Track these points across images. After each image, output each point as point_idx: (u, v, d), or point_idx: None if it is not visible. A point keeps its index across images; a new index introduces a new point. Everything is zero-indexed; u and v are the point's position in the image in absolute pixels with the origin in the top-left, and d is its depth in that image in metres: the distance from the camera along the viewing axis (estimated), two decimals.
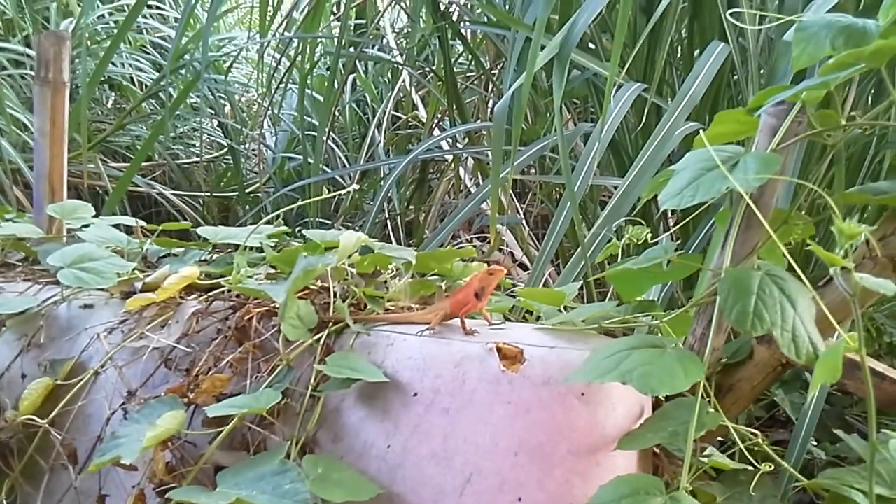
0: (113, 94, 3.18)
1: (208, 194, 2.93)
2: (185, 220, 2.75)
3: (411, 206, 2.68)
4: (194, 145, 3.15)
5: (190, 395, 0.91)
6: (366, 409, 0.88)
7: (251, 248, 1.14)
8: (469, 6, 2.18)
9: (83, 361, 1.01)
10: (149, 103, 2.98)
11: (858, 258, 0.83)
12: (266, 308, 0.98)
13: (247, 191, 2.89)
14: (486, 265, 1.01)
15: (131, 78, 3.07)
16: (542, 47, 1.29)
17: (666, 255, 0.86)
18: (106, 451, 0.83)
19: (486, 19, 2.17)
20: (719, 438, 1.07)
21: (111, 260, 1.04)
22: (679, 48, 1.87)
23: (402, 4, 2.69)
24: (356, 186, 1.44)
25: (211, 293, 1.03)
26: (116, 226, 1.21)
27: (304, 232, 1.17)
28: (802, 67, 0.79)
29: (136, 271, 1.08)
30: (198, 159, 3.06)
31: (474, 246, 2.51)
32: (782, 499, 1.23)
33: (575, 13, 1.36)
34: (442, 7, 2.16)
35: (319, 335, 0.93)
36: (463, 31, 2.42)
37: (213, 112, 3.13)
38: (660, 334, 0.90)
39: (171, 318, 1.00)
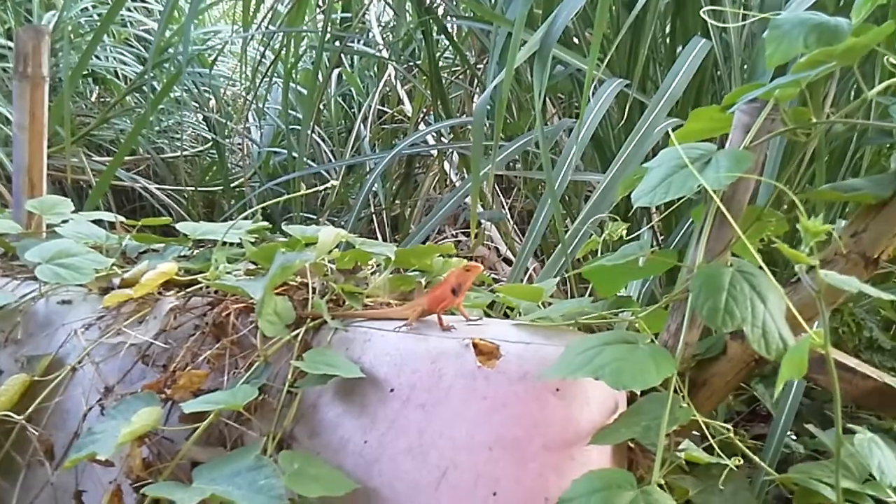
0: (97, 87, 3.16)
1: (193, 189, 2.92)
2: (170, 214, 2.74)
3: (397, 201, 2.68)
4: (179, 139, 3.13)
5: (167, 391, 0.91)
6: (343, 405, 0.88)
7: (232, 244, 1.14)
8: (454, 1, 2.18)
9: (61, 357, 1.00)
10: (133, 97, 2.96)
11: (830, 255, 0.84)
12: (244, 304, 0.98)
13: (231, 185, 2.89)
14: (464, 261, 1.02)
15: (115, 72, 3.06)
16: (524, 42, 1.30)
17: (641, 251, 0.86)
18: (82, 447, 0.83)
19: (471, 14, 2.17)
20: (697, 434, 1.08)
21: (89, 256, 1.04)
22: (662, 45, 1.87)
23: None
24: (335, 182, 1.44)
25: (189, 289, 1.03)
26: (97, 221, 1.21)
27: (283, 228, 1.17)
28: (776, 65, 0.79)
29: (114, 267, 1.08)
30: (182, 153, 3.05)
31: (459, 241, 2.52)
32: (759, 494, 1.24)
33: (556, 8, 1.36)
34: (427, 2, 2.16)
35: (297, 331, 0.93)
36: (449, 26, 2.42)
37: (197, 106, 3.12)
38: (637, 331, 0.91)
39: (149, 314, 1.00)
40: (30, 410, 0.95)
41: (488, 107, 2.02)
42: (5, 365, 1.02)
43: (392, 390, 0.86)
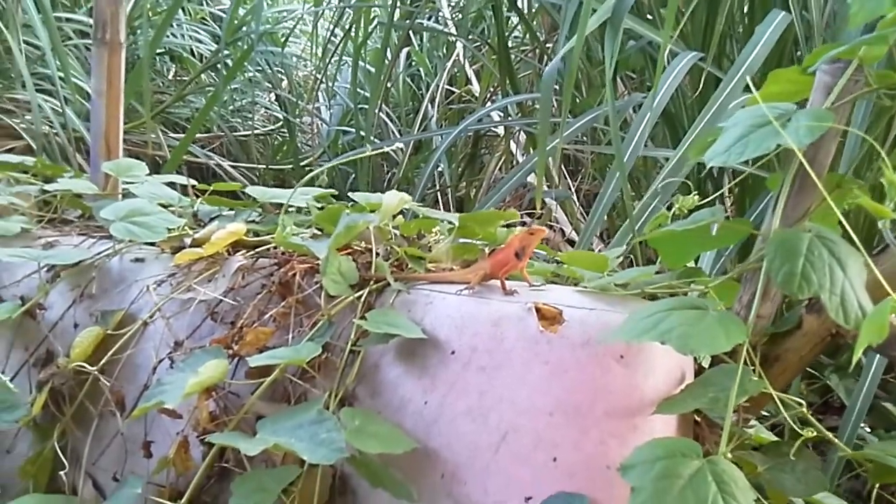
0: (174, 66, 3.25)
1: (264, 167, 2.98)
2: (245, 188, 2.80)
3: (463, 182, 2.68)
4: (251, 118, 3.20)
5: (234, 347, 0.93)
6: (404, 366, 0.88)
7: (298, 210, 1.16)
8: None
9: (133, 312, 1.03)
10: (208, 75, 3.03)
11: None
12: (309, 265, 0.99)
13: (301, 164, 2.93)
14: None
15: (192, 50, 3.13)
16: (594, 12, 1.27)
17: (713, 217, 0.83)
18: (151, 397, 0.86)
19: None
20: (765, 414, 1.04)
21: (162, 215, 1.07)
22: (741, 20, 1.81)
23: None
24: (400, 144, 1.43)
25: (257, 250, 1.04)
26: (171, 185, 1.24)
27: (349, 194, 1.17)
28: (861, 24, 0.75)
29: (186, 228, 1.11)
30: (254, 132, 3.10)
31: (524, 222, 2.50)
32: (832, 481, 1.20)
33: None
34: None
35: (361, 292, 0.94)
36: (519, 2, 2.40)
37: (270, 86, 3.17)
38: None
39: (218, 272, 1.02)
40: (102, 362, 0.99)
41: (556, 85, 2.00)
42: (81, 319, 1.06)
43: (453, 352, 0.86)
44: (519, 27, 2.69)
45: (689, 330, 0.72)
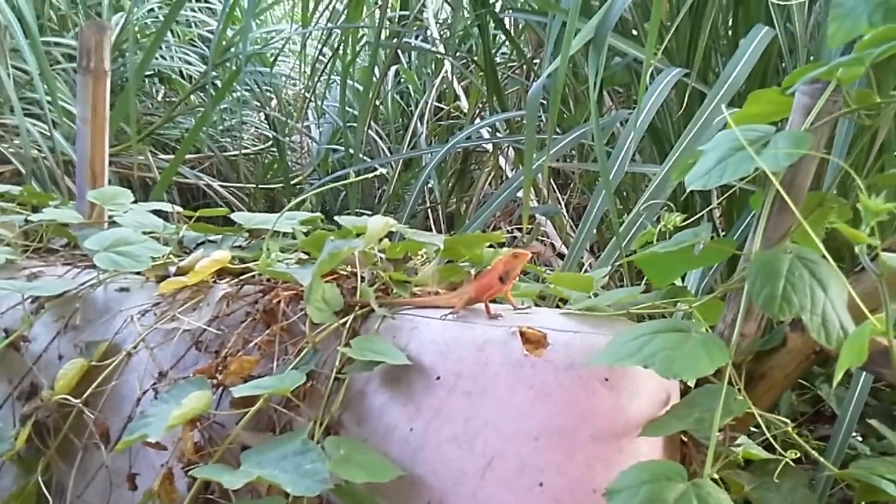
0: (163, 87, 3.25)
1: (255, 186, 2.98)
2: (232, 211, 2.80)
3: (453, 198, 2.68)
4: (242, 138, 3.20)
5: (218, 377, 0.93)
6: (389, 393, 0.88)
7: (285, 235, 1.15)
8: None
9: (117, 343, 1.03)
10: (197, 96, 3.04)
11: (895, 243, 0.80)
12: (294, 291, 0.98)
13: (292, 182, 2.93)
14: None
15: (181, 71, 3.14)
16: (579, 31, 1.27)
17: (696, 238, 0.83)
18: (134, 429, 0.85)
19: (528, 7, 2.15)
20: (756, 430, 1.04)
21: (146, 244, 1.06)
22: (725, 35, 1.82)
23: None
24: (382, 171, 1.43)
25: (242, 277, 1.04)
26: (156, 212, 1.23)
27: (335, 218, 1.17)
28: (838, 44, 0.76)
29: (171, 256, 1.10)
30: (244, 151, 3.11)
31: (514, 237, 2.50)
32: (822, 495, 1.19)
33: None
34: None
35: (346, 319, 0.94)
36: (506, 21, 2.41)
37: (258, 105, 3.18)
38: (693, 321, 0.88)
39: (203, 301, 1.02)
40: (87, 394, 0.98)
41: (543, 101, 2.00)
42: (65, 350, 1.05)
43: (438, 378, 0.86)
44: (506, 45, 2.70)
45: (672, 354, 0.72)
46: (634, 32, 1.82)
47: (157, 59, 3.05)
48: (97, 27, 1.27)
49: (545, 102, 2.05)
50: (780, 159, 0.69)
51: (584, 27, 1.26)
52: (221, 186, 2.91)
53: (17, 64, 2.46)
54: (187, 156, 2.89)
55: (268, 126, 3.17)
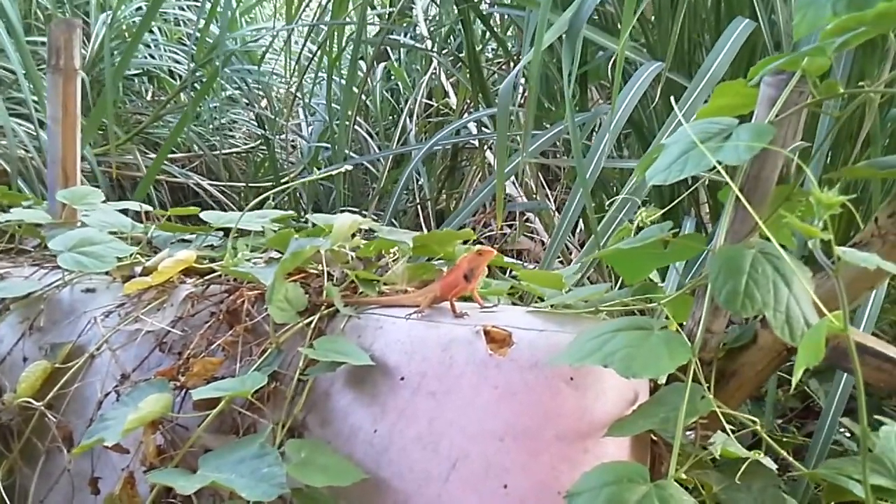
0: (151, 86, 3.23)
1: (245, 185, 2.96)
2: (223, 210, 2.78)
3: (443, 194, 2.66)
4: (233, 136, 3.18)
5: (181, 379, 0.91)
6: (354, 393, 0.87)
7: (260, 233, 1.14)
8: None
9: (81, 345, 1.01)
10: (186, 95, 3.01)
11: (867, 236, 0.78)
12: (259, 291, 0.97)
13: (282, 181, 2.91)
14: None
15: (170, 71, 3.12)
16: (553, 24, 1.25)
17: (661, 233, 0.82)
18: (93, 433, 0.84)
19: (511, 2, 2.13)
20: (732, 429, 1.02)
21: (111, 244, 1.05)
22: (707, 28, 1.80)
23: None
24: (348, 167, 1.40)
25: (207, 277, 1.02)
26: (124, 211, 1.22)
27: (307, 216, 1.16)
28: (803, 34, 0.74)
29: (138, 256, 1.09)
30: (234, 150, 3.09)
31: (504, 234, 2.48)
32: (804, 493, 1.18)
33: None
34: None
35: (311, 319, 0.92)
36: (495, 16, 2.39)
37: (247, 103, 3.16)
38: (665, 318, 0.86)
39: (167, 301, 1.00)
40: (49, 397, 0.96)
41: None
42: (30, 352, 1.04)
43: (402, 378, 0.84)
44: (493, 40, 2.68)
45: (632, 352, 0.70)
46: (618, 26, 1.80)
47: (145, 58, 3.03)
48: (66, 25, 1.25)
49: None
50: (741, 152, 0.68)
51: (558, 20, 1.24)
52: (212, 185, 2.89)
53: (2, 63, 2.45)
54: (178, 155, 2.87)
55: (258, 124, 3.15)
